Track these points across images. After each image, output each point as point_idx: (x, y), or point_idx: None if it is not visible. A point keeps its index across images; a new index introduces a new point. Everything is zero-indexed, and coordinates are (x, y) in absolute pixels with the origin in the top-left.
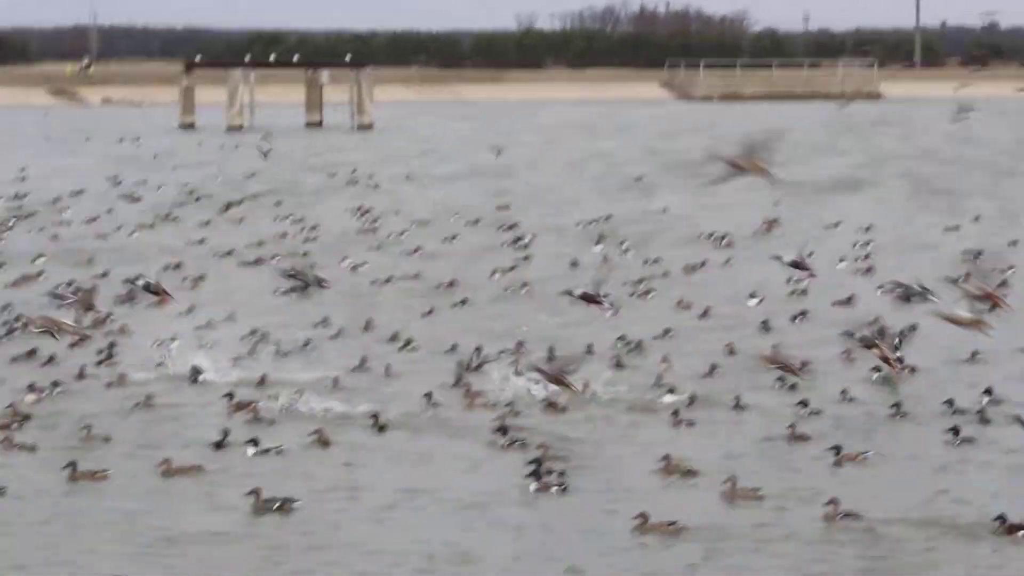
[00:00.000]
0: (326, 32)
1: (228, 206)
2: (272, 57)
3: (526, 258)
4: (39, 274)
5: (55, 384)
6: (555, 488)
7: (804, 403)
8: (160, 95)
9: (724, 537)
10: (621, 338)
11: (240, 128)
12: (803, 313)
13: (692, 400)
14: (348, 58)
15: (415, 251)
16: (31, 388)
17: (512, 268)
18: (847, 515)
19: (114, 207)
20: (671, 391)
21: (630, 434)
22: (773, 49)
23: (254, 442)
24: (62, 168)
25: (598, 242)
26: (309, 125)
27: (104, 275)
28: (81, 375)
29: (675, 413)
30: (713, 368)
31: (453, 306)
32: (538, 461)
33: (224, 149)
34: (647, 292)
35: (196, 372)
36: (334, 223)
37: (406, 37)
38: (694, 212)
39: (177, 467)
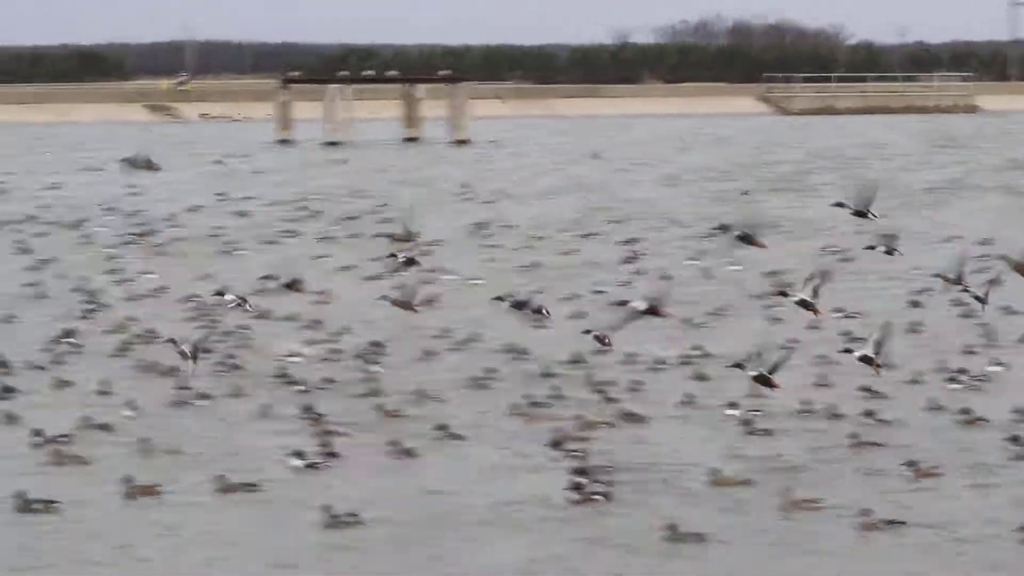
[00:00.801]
0: (421, 46)
1: (340, 221)
2: (368, 72)
3: (638, 272)
4: (159, 289)
5: (202, 395)
6: (599, 499)
7: (870, 413)
8: (256, 110)
9: (755, 546)
10: (697, 348)
11: (337, 144)
12: (916, 326)
13: (760, 410)
14: (444, 73)
15: (532, 265)
16: (128, 403)
17: (627, 283)
18: (890, 523)
19: (225, 223)
20: (733, 404)
21: (698, 443)
22: (868, 62)
23: (299, 455)
24: (169, 183)
25: (694, 257)
26: (406, 140)
27: (220, 293)
28: (192, 389)
29: (746, 423)
30: (813, 381)
31: (569, 318)
32: (582, 471)
33: (323, 165)
34: (772, 305)
35: (307, 385)
36: (446, 238)
37: (501, 52)
38: (801, 227)
39: (231, 483)
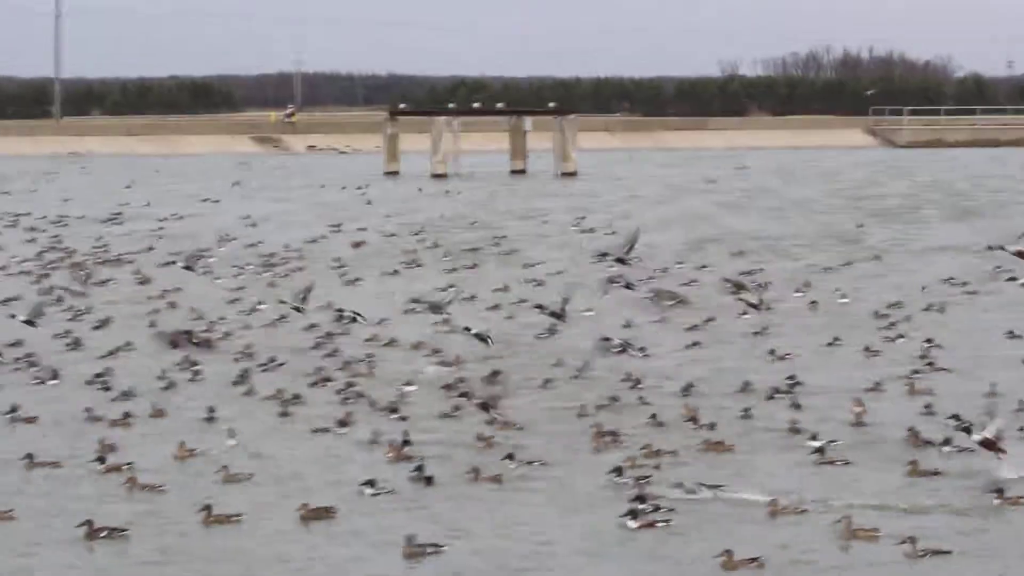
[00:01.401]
0: (531, 79)
1: (454, 253)
2: (475, 104)
3: (764, 306)
4: (280, 319)
5: (310, 424)
6: (658, 525)
7: (948, 441)
8: (363, 142)
9: (809, 572)
10: (793, 378)
11: (444, 176)
12: None
13: (831, 443)
14: (552, 105)
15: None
16: (230, 431)
17: (743, 314)
18: (934, 553)
19: (342, 255)
20: (814, 436)
21: (771, 471)
22: (976, 95)
23: (371, 483)
24: (281, 214)
25: (798, 290)
26: (513, 172)
27: (352, 320)
28: (292, 416)
29: (820, 451)
30: (916, 410)
31: (688, 347)
32: (641, 498)
33: (433, 196)
34: (897, 337)
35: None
36: (562, 268)
37: (609, 84)
38: (907, 261)
39: (312, 510)
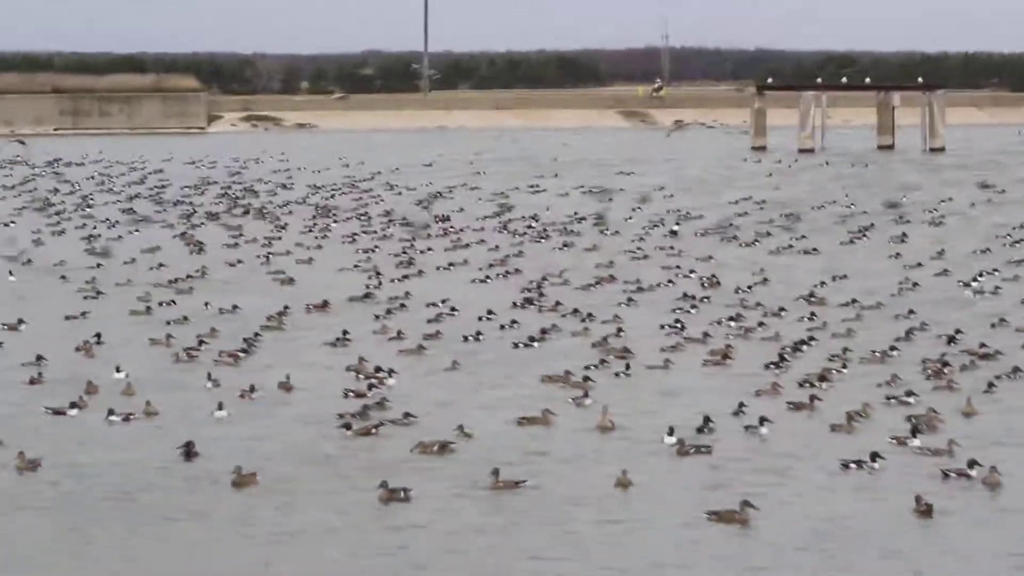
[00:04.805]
0: (898, 53)
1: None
2: (843, 79)
3: None
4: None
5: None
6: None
7: None
8: (730, 117)
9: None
10: None
11: (811, 151)
12: None
13: None
14: (920, 80)
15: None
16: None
17: None
18: None
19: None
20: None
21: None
22: None
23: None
24: (686, 183)
25: None
26: (880, 148)
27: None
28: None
29: None
30: None
31: None
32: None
33: (803, 171)
34: None
35: None
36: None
37: (979, 59)
38: None
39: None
